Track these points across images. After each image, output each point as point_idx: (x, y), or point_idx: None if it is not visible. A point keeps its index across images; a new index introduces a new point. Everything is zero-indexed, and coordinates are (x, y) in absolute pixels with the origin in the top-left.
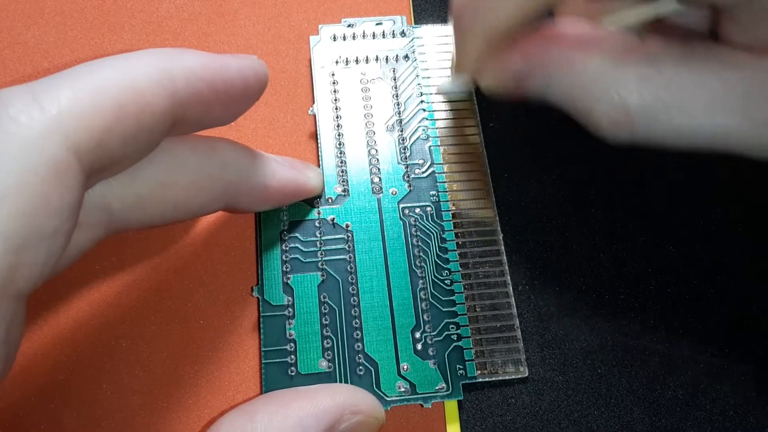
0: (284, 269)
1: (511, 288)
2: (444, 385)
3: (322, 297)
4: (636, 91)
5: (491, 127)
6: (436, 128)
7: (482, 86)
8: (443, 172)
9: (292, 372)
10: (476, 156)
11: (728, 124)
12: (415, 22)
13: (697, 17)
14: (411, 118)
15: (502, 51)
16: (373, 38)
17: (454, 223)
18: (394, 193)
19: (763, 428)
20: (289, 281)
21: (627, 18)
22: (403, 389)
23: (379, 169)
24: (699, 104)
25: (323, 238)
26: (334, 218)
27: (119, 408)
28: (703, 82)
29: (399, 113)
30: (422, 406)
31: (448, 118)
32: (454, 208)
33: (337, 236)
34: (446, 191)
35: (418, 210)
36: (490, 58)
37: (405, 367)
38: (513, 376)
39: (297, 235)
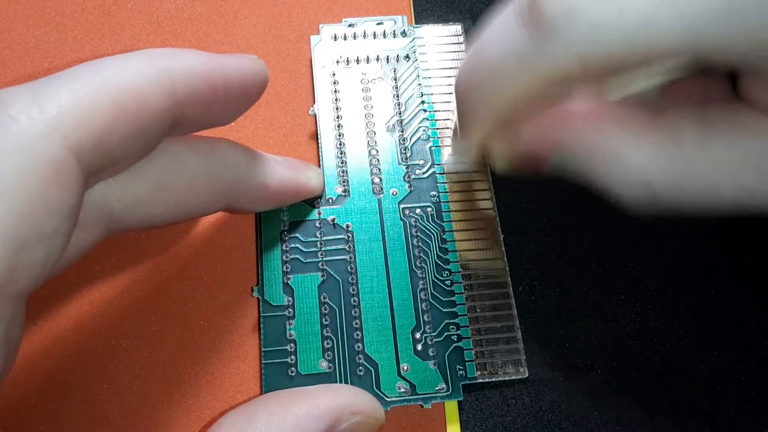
0: (284, 269)
1: (511, 288)
2: (444, 385)
3: (322, 297)
4: (657, 168)
5: None
6: (437, 129)
7: (494, 168)
8: (444, 173)
9: (292, 372)
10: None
11: (752, 188)
12: (416, 22)
13: (714, 81)
14: (412, 119)
15: (511, 131)
16: (374, 38)
17: (454, 224)
18: (394, 193)
19: (763, 428)
20: (289, 281)
21: (633, 86)
22: (403, 390)
23: (379, 169)
24: (723, 173)
25: (323, 238)
26: (334, 218)
27: (119, 408)
28: (724, 152)
29: (400, 113)
30: (422, 406)
31: (449, 119)
32: (454, 208)
33: (337, 236)
34: (447, 192)
35: (418, 210)
36: (498, 137)
37: (405, 367)
38: (513, 377)
39: (297, 235)
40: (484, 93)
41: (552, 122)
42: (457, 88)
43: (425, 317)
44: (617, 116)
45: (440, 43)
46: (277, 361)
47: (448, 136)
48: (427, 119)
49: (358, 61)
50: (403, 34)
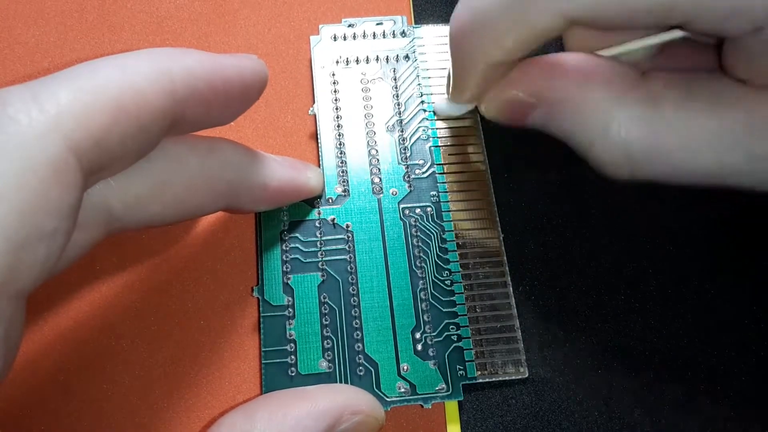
0: (284, 269)
1: (511, 288)
2: (444, 385)
3: (322, 297)
4: (637, 132)
5: (492, 128)
6: (437, 128)
7: (481, 112)
8: (443, 173)
9: (292, 372)
10: (477, 156)
11: (728, 161)
12: (416, 22)
13: (702, 50)
14: (411, 119)
15: (502, 79)
16: (374, 38)
17: (454, 224)
18: (394, 193)
19: (763, 428)
20: (289, 281)
21: (628, 50)
22: (403, 390)
23: (379, 169)
24: (699, 143)
25: (323, 238)
26: (334, 218)
27: (119, 408)
28: (703, 122)
29: (399, 113)
30: (422, 406)
31: (448, 119)
32: (454, 208)
33: (337, 236)
34: (446, 192)
35: (418, 210)
36: (490, 85)
37: (405, 367)
38: (513, 377)
39: (297, 235)
40: (474, 40)
41: (540, 72)
42: (450, 34)
43: (425, 317)
44: (604, 74)
45: (440, 43)
46: (277, 361)
47: (451, 136)
48: (427, 119)
49: (357, 61)
50: (403, 34)
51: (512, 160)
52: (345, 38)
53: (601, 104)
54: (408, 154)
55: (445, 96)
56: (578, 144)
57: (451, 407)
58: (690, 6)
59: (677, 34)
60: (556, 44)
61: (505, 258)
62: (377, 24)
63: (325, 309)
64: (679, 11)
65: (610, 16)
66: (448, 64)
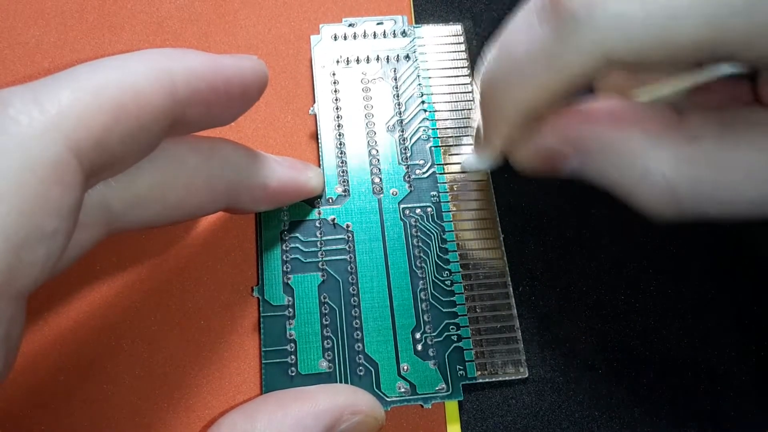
0: (284, 269)
1: (511, 289)
2: (444, 385)
3: (322, 297)
4: (679, 172)
5: None
6: (437, 129)
7: (513, 165)
8: (444, 173)
9: (292, 372)
10: None
11: None
12: (416, 22)
13: (736, 84)
14: (412, 119)
15: (534, 129)
16: (374, 38)
17: (454, 224)
18: (394, 193)
19: (763, 428)
20: (289, 281)
21: (662, 90)
22: (403, 390)
23: (379, 169)
24: (744, 177)
25: (324, 238)
26: (334, 218)
27: (119, 408)
28: (746, 155)
29: (400, 113)
30: (422, 406)
31: (449, 119)
32: (454, 208)
33: (337, 236)
34: (447, 192)
35: (418, 210)
36: (521, 136)
37: (405, 367)
38: (513, 377)
39: (297, 235)
40: (507, 89)
41: (574, 120)
42: (481, 86)
43: (425, 317)
44: (640, 117)
45: (440, 43)
46: (277, 361)
47: (451, 136)
48: (427, 119)
49: (358, 60)
50: (403, 34)
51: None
52: (345, 38)
53: (639, 147)
54: (408, 154)
55: (473, 150)
56: (620, 189)
57: (451, 407)
58: (736, 42)
59: (711, 74)
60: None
61: (505, 258)
62: (378, 24)
63: (326, 309)
64: (725, 48)
65: (654, 55)
66: (477, 117)
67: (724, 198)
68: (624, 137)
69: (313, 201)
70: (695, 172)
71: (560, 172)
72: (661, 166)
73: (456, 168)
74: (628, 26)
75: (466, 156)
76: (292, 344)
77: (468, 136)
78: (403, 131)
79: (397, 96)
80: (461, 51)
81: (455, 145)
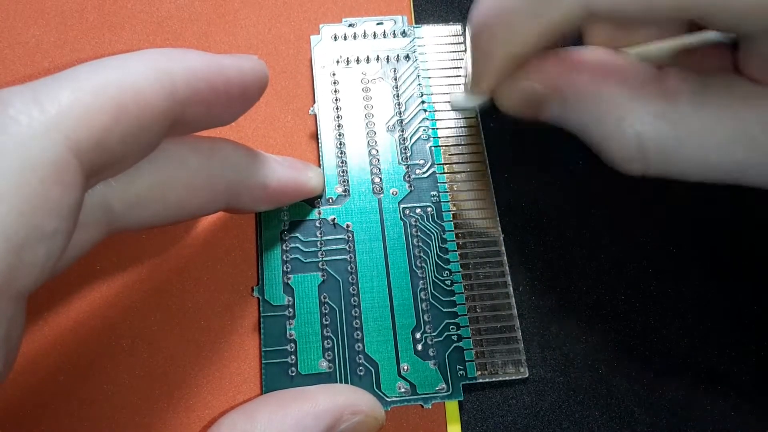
0: (285, 269)
1: (511, 288)
2: (444, 385)
3: (322, 297)
4: (651, 127)
5: (492, 128)
6: (437, 128)
7: (498, 105)
8: (444, 173)
9: (292, 372)
10: (477, 156)
11: (744, 159)
12: (416, 22)
13: (719, 53)
14: (412, 119)
15: (521, 71)
16: (374, 38)
17: (454, 224)
18: (394, 193)
19: (763, 428)
20: (289, 281)
21: (649, 52)
22: (403, 390)
23: (379, 169)
24: (714, 141)
25: (324, 238)
26: (334, 218)
27: (119, 408)
28: (719, 119)
29: (400, 113)
30: (422, 406)
31: (449, 119)
32: (454, 208)
33: (337, 236)
34: (447, 192)
35: (418, 210)
36: (509, 78)
37: (405, 367)
38: (513, 377)
39: (297, 235)
40: (495, 32)
41: (558, 65)
42: (470, 27)
43: (425, 317)
44: (621, 68)
45: (440, 43)
46: (277, 361)
47: (451, 136)
48: (427, 119)
49: (358, 61)
50: (403, 34)
51: (512, 160)
52: (345, 38)
53: (616, 98)
54: (408, 154)
55: (462, 89)
56: (592, 138)
57: (452, 407)
58: (707, 1)
59: (696, 38)
60: (576, 41)
61: (505, 258)
62: (378, 24)
63: (326, 309)
64: (696, 6)
65: (629, 9)
66: (466, 57)
67: (691, 159)
68: (602, 86)
69: (313, 201)
70: (665, 129)
71: (541, 116)
72: (633, 118)
73: (456, 168)
74: None
75: (455, 94)
76: (292, 344)
77: (471, 136)
78: (403, 131)
79: (397, 96)
80: (461, 51)
81: (456, 145)
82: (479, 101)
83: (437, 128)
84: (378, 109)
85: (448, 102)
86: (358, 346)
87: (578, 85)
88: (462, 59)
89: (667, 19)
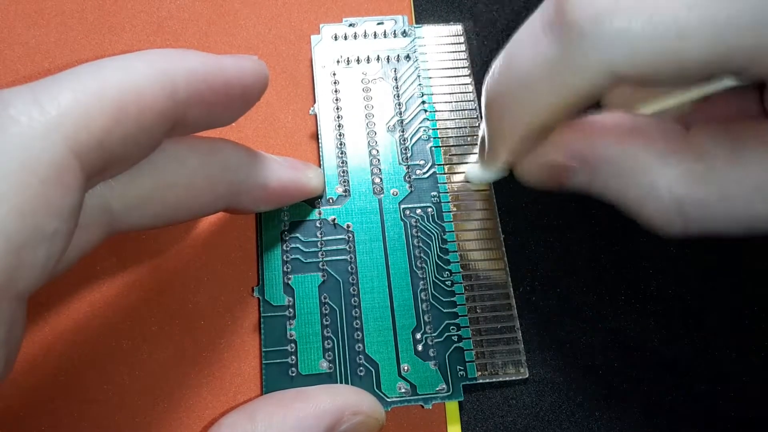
0: (285, 269)
1: (511, 289)
2: (444, 386)
3: (322, 297)
4: (688, 189)
5: None
6: (438, 129)
7: (517, 177)
8: (444, 173)
9: (292, 372)
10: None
11: None
12: (417, 22)
13: (743, 96)
14: (412, 119)
15: (539, 143)
16: (375, 38)
17: (454, 224)
18: (395, 193)
19: (763, 428)
20: (289, 282)
21: (668, 102)
22: (403, 390)
23: (380, 169)
24: (754, 195)
25: (324, 238)
26: (335, 218)
27: (119, 408)
28: (755, 171)
29: (400, 113)
30: (423, 406)
31: (449, 119)
32: (454, 209)
33: (337, 237)
34: (447, 192)
35: (419, 211)
36: (527, 149)
37: (405, 367)
38: (513, 377)
39: (298, 235)
40: (513, 104)
41: (580, 134)
42: (485, 98)
43: (426, 317)
44: (647, 131)
45: (440, 43)
46: (278, 361)
47: (451, 137)
48: (428, 119)
49: (358, 60)
50: (404, 34)
51: None
52: (346, 38)
53: (646, 162)
54: (409, 155)
55: (477, 161)
56: (627, 205)
57: (452, 408)
58: (744, 57)
59: (717, 86)
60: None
61: (505, 258)
62: (378, 24)
63: (326, 309)
64: (733, 63)
65: (662, 72)
66: (482, 128)
67: (733, 215)
68: (631, 152)
69: (313, 201)
70: (704, 190)
71: (565, 186)
72: (668, 182)
73: (457, 169)
74: (635, 42)
75: (470, 166)
76: (293, 344)
77: (470, 137)
78: (403, 131)
79: (398, 96)
80: (461, 51)
81: (456, 146)
82: (497, 175)
83: (437, 128)
84: (378, 109)
85: (464, 175)
86: (359, 347)
87: (604, 152)
88: (462, 59)
89: (698, 78)
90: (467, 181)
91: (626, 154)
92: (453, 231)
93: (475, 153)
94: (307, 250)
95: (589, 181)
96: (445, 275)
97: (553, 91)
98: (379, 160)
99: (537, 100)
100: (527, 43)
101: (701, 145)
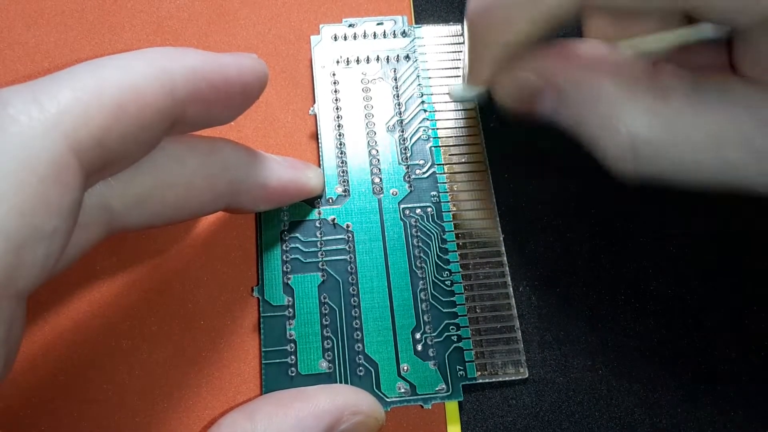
0: (284, 269)
1: (511, 289)
2: (444, 386)
3: (322, 297)
4: (643, 124)
5: (492, 128)
6: (437, 129)
7: (495, 98)
8: (444, 173)
9: (292, 372)
10: (477, 156)
11: (735, 158)
12: (416, 22)
13: (715, 51)
14: (412, 119)
15: (517, 64)
16: (374, 38)
17: (454, 224)
18: (394, 193)
19: (763, 428)
20: (289, 281)
21: (646, 44)
22: (403, 390)
23: (379, 169)
24: (707, 138)
25: (324, 238)
26: (334, 218)
27: (119, 408)
28: (712, 117)
29: (400, 113)
30: (422, 407)
31: (449, 119)
32: (454, 208)
33: (337, 236)
34: (447, 192)
35: (418, 210)
36: (505, 70)
37: (405, 367)
38: (513, 377)
39: (297, 235)
40: (492, 21)
41: (553, 58)
42: (467, 17)
43: (425, 317)
44: (616, 64)
45: (440, 43)
46: (277, 361)
47: (451, 136)
48: (427, 119)
49: (358, 61)
50: (404, 34)
51: (512, 160)
52: (345, 38)
53: (609, 93)
54: (408, 154)
55: (460, 81)
56: (585, 135)
57: (451, 408)
58: None
59: (692, 33)
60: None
61: (505, 258)
62: (378, 24)
63: (325, 309)
64: None
65: None
66: (465, 49)
67: (683, 160)
68: (596, 79)
69: (313, 201)
70: (657, 127)
71: (535, 109)
72: (625, 115)
73: (456, 168)
74: None
75: (454, 84)
76: (292, 344)
77: (470, 137)
78: (403, 131)
79: (397, 96)
80: (461, 51)
81: (456, 146)
82: (477, 92)
83: (437, 128)
84: (378, 109)
85: (448, 93)
86: (358, 347)
87: (572, 76)
88: (462, 59)
89: (660, 10)
90: (451, 100)
91: (592, 81)
92: (453, 231)
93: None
94: (306, 250)
95: (556, 104)
96: (445, 275)
97: (526, 9)
98: (378, 160)
99: (512, 17)
100: None
101: (665, 85)
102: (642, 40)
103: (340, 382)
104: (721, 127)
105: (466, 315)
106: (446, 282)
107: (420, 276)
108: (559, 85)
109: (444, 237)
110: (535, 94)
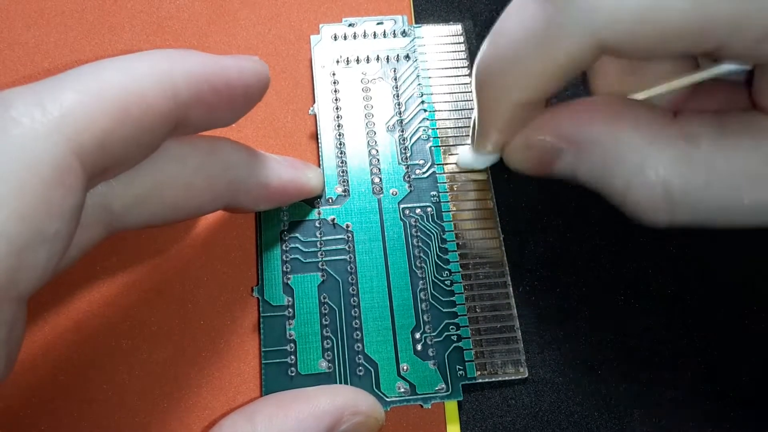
0: (284, 269)
1: (511, 289)
2: (444, 385)
3: (322, 297)
4: (675, 172)
5: None
6: (437, 129)
7: (507, 163)
8: (444, 173)
9: (292, 372)
10: None
11: None
12: (416, 22)
13: (732, 90)
14: (412, 119)
15: (530, 126)
16: (374, 38)
17: (454, 224)
18: (394, 193)
19: (763, 429)
20: (289, 281)
21: (658, 90)
22: (402, 390)
23: (379, 169)
24: (740, 180)
25: (323, 238)
26: (334, 218)
27: (119, 408)
28: (743, 157)
29: (400, 113)
30: (422, 406)
31: (449, 119)
32: (454, 208)
33: (337, 236)
34: (447, 192)
35: (418, 210)
36: (515, 132)
37: (405, 367)
38: (513, 377)
39: (297, 235)
40: (501, 77)
41: (567, 114)
42: (475, 75)
43: (425, 317)
44: (636, 114)
45: (440, 43)
46: (277, 361)
47: (451, 136)
48: (427, 119)
49: (358, 60)
50: (403, 33)
51: None
52: (345, 38)
53: (634, 144)
54: (408, 154)
55: (469, 146)
56: (612, 188)
57: (451, 407)
58: (724, 26)
59: (707, 74)
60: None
61: (505, 258)
62: (378, 23)
63: (325, 309)
64: (713, 34)
65: (645, 39)
66: (473, 113)
67: (720, 202)
68: (619, 133)
69: (313, 201)
70: (691, 173)
71: (552, 170)
72: (656, 164)
73: (456, 168)
74: (617, 8)
75: (462, 150)
76: (292, 344)
77: (470, 136)
78: (403, 131)
79: (397, 96)
80: (461, 51)
81: (455, 145)
82: (488, 161)
83: (437, 128)
84: (378, 109)
85: (455, 163)
86: (358, 347)
87: (592, 133)
88: (462, 58)
89: (681, 51)
90: (459, 170)
91: (614, 135)
92: (453, 231)
93: (468, 142)
94: (306, 249)
95: (576, 162)
96: (445, 275)
97: (539, 60)
98: (378, 159)
99: (524, 71)
100: (515, 12)
101: (690, 129)
102: (654, 91)
103: (340, 382)
104: (755, 166)
105: (465, 315)
106: (446, 282)
107: (420, 276)
108: (580, 142)
109: (444, 237)
110: (551, 155)
